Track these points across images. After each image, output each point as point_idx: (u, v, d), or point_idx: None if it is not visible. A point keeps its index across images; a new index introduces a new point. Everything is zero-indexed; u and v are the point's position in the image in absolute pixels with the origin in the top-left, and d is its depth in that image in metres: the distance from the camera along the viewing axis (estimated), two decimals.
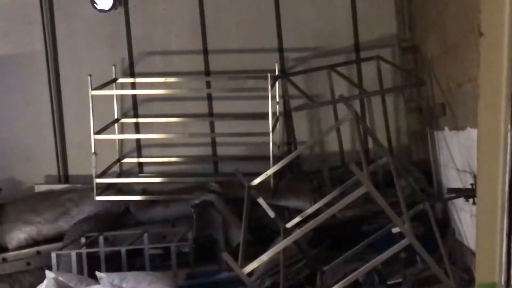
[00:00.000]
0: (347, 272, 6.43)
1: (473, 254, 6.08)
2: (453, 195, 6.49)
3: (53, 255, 7.77)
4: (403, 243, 5.79)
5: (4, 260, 8.30)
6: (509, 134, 4.38)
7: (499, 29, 4.29)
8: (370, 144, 8.57)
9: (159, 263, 8.07)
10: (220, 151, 9.57)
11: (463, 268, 6.54)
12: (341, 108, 8.14)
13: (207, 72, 9.54)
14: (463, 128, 6.38)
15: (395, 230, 5.88)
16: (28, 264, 8.33)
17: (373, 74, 8.95)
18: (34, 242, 8.57)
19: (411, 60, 9.02)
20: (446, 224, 7.40)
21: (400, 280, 6.59)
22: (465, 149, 6.32)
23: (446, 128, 7.20)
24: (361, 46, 9.43)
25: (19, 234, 8.52)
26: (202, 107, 9.54)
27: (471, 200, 5.86)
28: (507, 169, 4.42)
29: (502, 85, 4.34)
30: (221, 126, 9.52)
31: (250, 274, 6.12)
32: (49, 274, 6.76)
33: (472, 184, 6.00)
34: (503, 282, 4.68)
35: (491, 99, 4.39)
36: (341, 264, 6.96)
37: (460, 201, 6.60)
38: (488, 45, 4.37)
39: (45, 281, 6.68)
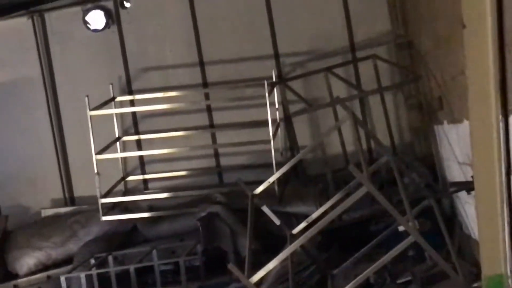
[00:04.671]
0: (357, 274, 6.37)
1: None
2: (454, 189, 6.46)
3: (62, 279, 7.79)
4: (408, 241, 5.75)
5: (16, 287, 8.31)
6: (501, 124, 4.34)
7: (481, 20, 4.26)
8: (374, 143, 8.50)
9: (171, 278, 8.06)
10: (224, 161, 9.55)
11: (472, 261, 6.48)
12: (341, 109, 8.06)
13: (205, 84, 9.50)
14: (460, 121, 6.35)
15: (401, 228, 5.84)
16: None
17: (371, 73, 8.89)
18: (44, 267, 8.58)
19: (407, 56, 8.97)
20: (454, 218, 7.35)
21: (409, 278, 6.55)
22: (464, 142, 6.28)
23: (445, 122, 7.17)
24: (357, 46, 9.34)
25: (28, 260, 8.52)
26: (203, 119, 9.50)
27: (473, 192, 5.82)
28: (502, 158, 4.38)
29: (490, 75, 4.30)
30: (223, 137, 9.46)
31: (259, 283, 6.08)
32: None
33: (472, 177, 5.95)
34: (509, 273, 4.64)
35: (480, 90, 4.37)
36: (351, 266, 6.93)
37: (464, 194, 6.55)
38: (472, 36, 4.34)
39: None
